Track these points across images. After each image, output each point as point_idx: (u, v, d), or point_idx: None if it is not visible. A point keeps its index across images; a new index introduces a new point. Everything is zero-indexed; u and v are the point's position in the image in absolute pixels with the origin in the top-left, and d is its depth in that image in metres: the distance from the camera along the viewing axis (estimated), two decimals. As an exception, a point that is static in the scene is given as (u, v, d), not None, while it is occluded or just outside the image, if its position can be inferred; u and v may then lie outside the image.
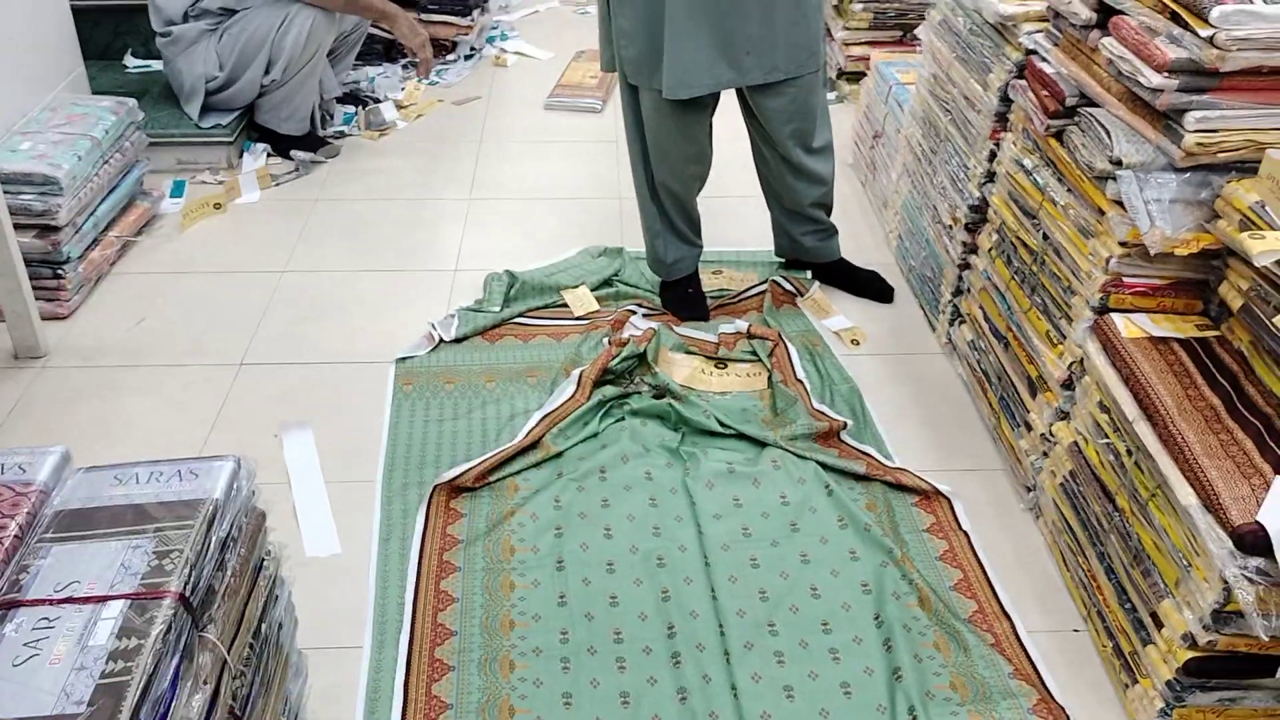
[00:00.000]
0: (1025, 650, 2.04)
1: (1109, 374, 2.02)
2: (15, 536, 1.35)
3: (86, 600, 1.26)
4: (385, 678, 1.95)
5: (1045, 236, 2.28)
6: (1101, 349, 2.07)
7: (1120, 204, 2.01)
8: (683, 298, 3.05)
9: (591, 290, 3.12)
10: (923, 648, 2.03)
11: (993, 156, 2.58)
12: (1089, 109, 2.15)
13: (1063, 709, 1.92)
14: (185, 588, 1.29)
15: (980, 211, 2.64)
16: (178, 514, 1.38)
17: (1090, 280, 2.11)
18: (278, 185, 3.73)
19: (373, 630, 2.05)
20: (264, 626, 1.52)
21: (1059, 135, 2.25)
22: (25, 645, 1.21)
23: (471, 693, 1.93)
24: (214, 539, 1.37)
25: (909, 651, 2.01)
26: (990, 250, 2.56)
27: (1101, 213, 2.07)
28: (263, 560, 1.53)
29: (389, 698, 1.92)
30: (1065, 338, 2.20)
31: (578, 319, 3.02)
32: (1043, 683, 1.97)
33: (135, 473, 1.46)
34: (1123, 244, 2.03)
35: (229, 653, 1.37)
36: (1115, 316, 2.08)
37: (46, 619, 1.25)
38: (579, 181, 3.77)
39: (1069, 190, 2.20)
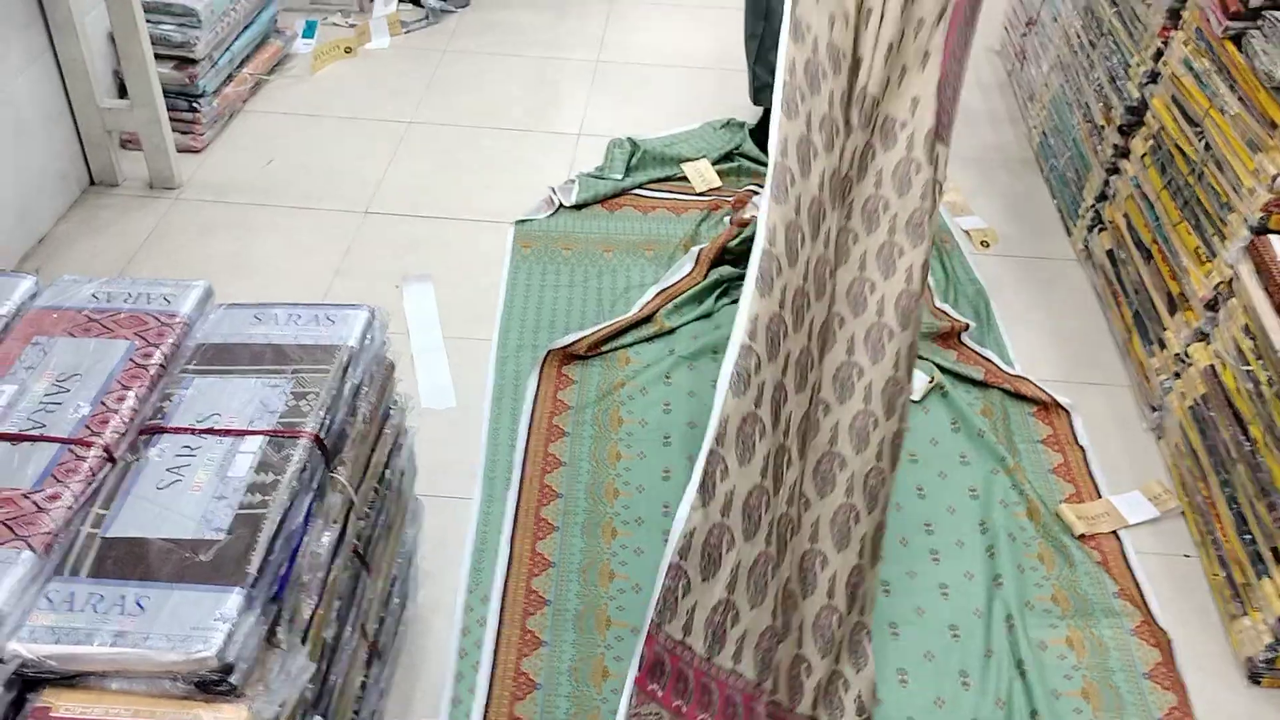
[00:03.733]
0: (1131, 571, 2.01)
1: (1259, 298, 1.92)
2: (160, 365, 1.39)
3: (227, 433, 1.31)
4: (492, 531, 2.01)
5: (1207, 146, 2.15)
6: (1255, 271, 1.97)
7: (1298, 119, 1.88)
8: (766, 128, 3.03)
9: (712, 164, 3.06)
10: (1026, 558, 2.01)
11: (1159, 56, 2.42)
12: (1275, 13, 2.00)
13: (1165, 632, 1.89)
14: (320, 429, 1.32)
15: (1137, 114, 2.50)
16: (315, 357, 1.41)
17: (1252, 197, 1.99)
18: (408, 32, 3.70)
19: (482, 485, 2.10)
20: (388, 473, 1.57)
21: (1237, 39, 2.10)
22: (168, 470, 1.27)
23: (574, 554, 1.98)
24: (348, 385, 1.40)
25: (1012, 560, 1.99)
26: (1144, 156, 2.42)
27: (1274, 126, 1.94)
28: (389, 409, 1.57)
29: (495, 550, 1.98)
30: (1215, 256, 2.09)
31: (698, 195, 2.97)
32: (1146, 605, 1.94)
33: (275, 313, 1.49)
34: (1293, 162, 1.90)
35: (356, 494, 1.41)
36: (1273, 238, 1.97)
37: (188, 447, 1.30)
38: (709, 50, 3.66)
39: (1240, 99, 2.06)
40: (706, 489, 1.59)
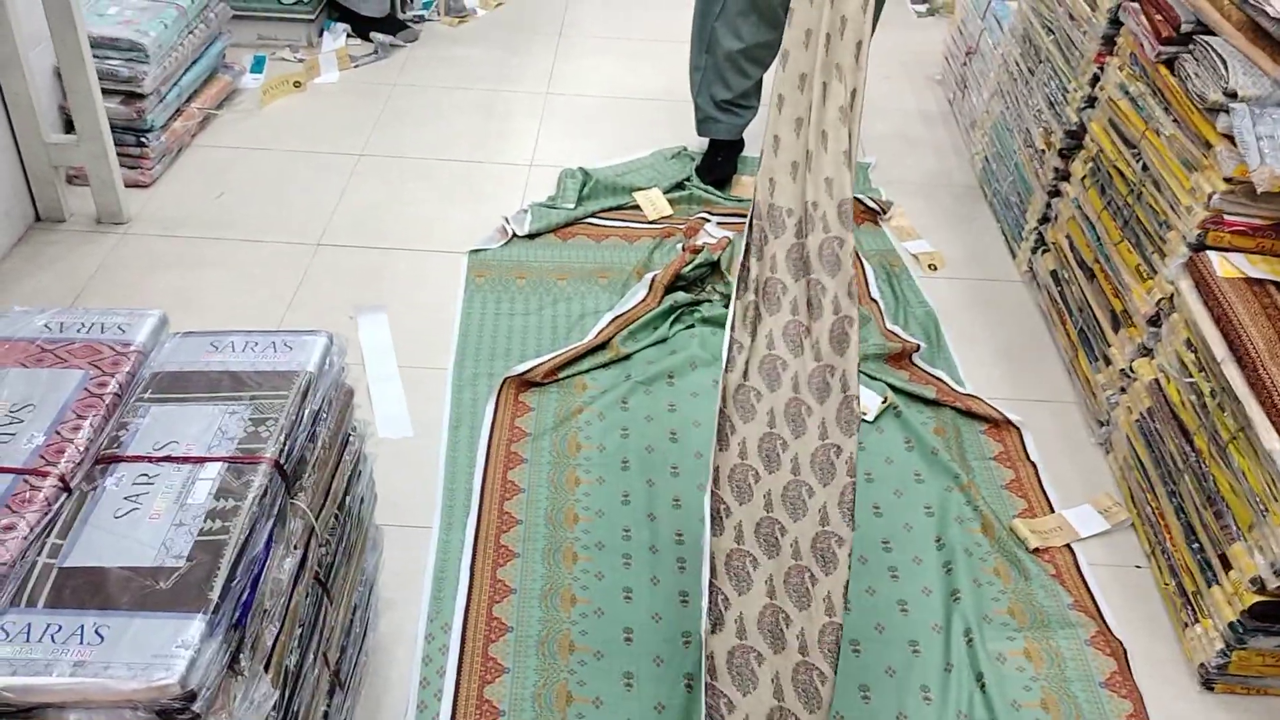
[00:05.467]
0: (1085, 582, 2.04)
1: (1200, 312, 1.98)
2: (115, 394, 1.38)
3: (185, 460, 1.30)
4: (452, 559, 2.00)
5: (1145, 167, 2.22)
6: (1194, 286, 2.02)
7: (1230, 138, 1.94)
8: (709, 164, 3.20)
9: (664, 193, 3.09)
10: (983, 573, 2.04)
11: (1095, 81, 2.50)
12: (1205, 37, 2.07)
13: (1119, 642, 1.92)
14: (280, 455, 1.31)
15: (1076, 137, 2.57)
16: (273, 384, 1.40)
17: (1189, 215, 2.05)
18: (357, 67, 3.70)
19: (441, 513, 2.09)
20: (348, 499, 1.56)
21: (1170, 63, 2.17)
22: (126, 499, 1.25)
23: (535, 580, 1.98)
24: (307, 410, 1.40)
25: (969, 575, 2.02)
26: (1083, 178, 2.49)
27: (1208, 146, 2.00)
28: (349, 435, 1.56)
29: (455, 577, 1.96)
30: (1156, 273, 2.15)
31: (650, 223, 3.00)
32: (1101, 615, 1.98)
33: (231, 341, 1.49)
34: (1228, 180, 1.96)
35: (317, 521, 1.40)
36: (1211, 254, 2.03)
37: (146, 475, 1.28)
38: (657, 82, 3.71)
39: (1175, 121, 2.13)
40: (714, 616, 1.50)
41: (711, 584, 1.50)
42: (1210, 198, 1.99)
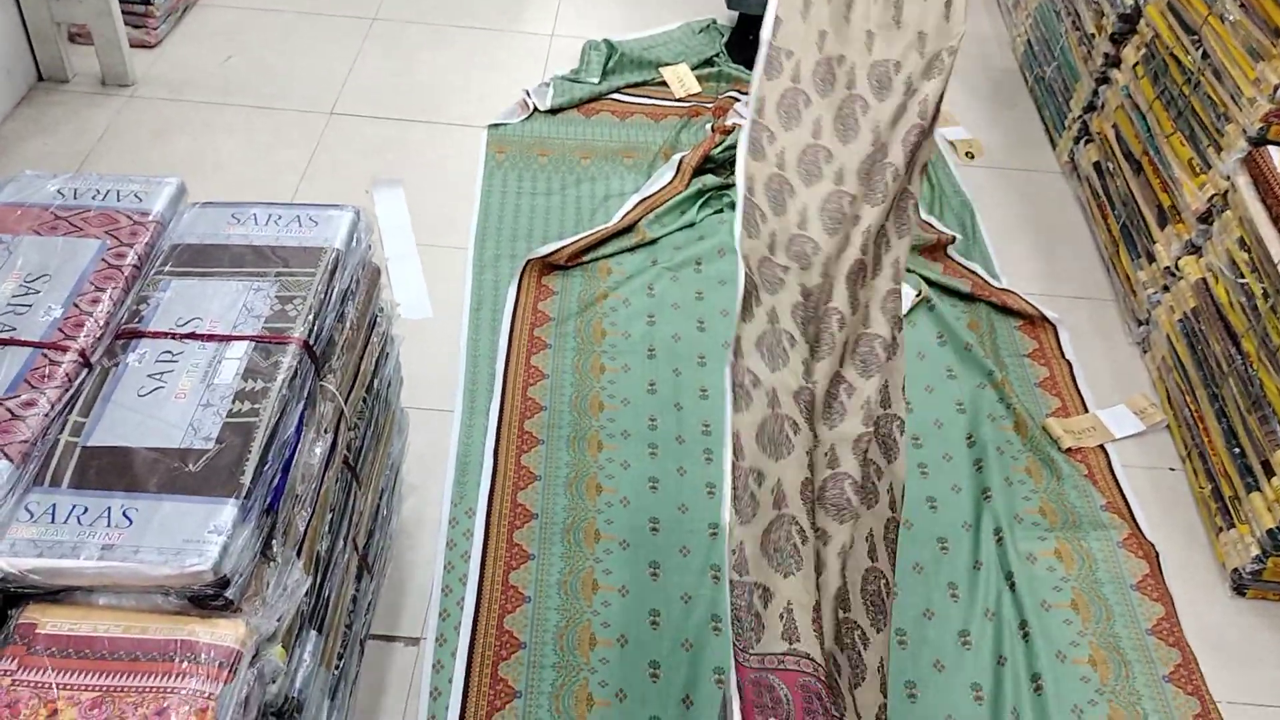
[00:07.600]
0: (1118, 484, 2.01)
1: (1257, 210, 1.90)
2: (134, 266, 1.31)
3: (210, 338, 1.24)
4: (475, 444, 1.96)
5: (1205, 55, 2.10)
6: (1252, 183, 1.94)
7: (1304, 26, 1.84)
8: (739, 41, 3.07)
9: (692, 69, 2.96)
10: (1014, 471, 2.00)
11: (1156, -39, 2.36)
12: (1283, -85, 1.94)
13: (1152, 545, 1.90)
14: (310, 335, 1.25)
15: (1131, 21, 2.44)
16: (300, 259, 1.33)
17: (1252, 108, 1.95)
18: (369, -75, 3.52)
19: (464, 397, 2.04)
20: (376, 382, 1.50)
21: (1241, -58, 2.04)
22: (149, 377, 1.19)
23: (560, 467, 1.94)
24: (335, 289, 1.33)
25: (1000, 474, 1.98)
26: (1135, 65, 2.37)
27: (1278, 34, 1.89)
28: (376, 316, 1.50)
29: (478, 463, 1.93)
30: (1210, 168, 2.06)
31: (678, 100, 2.88)
32: (1133, 517, 1.95)
33: (253, 213, 1.41)
34: (1298, 71, 1.86)
35: (346, 404, 1.35)
36: (1272, 149, 1.93)
37: (169, 353, 1.22)
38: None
39: (1242, 5, 2.01)
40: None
41: (735, 465, 1.12)
42: (1276, 90, 1.89)
